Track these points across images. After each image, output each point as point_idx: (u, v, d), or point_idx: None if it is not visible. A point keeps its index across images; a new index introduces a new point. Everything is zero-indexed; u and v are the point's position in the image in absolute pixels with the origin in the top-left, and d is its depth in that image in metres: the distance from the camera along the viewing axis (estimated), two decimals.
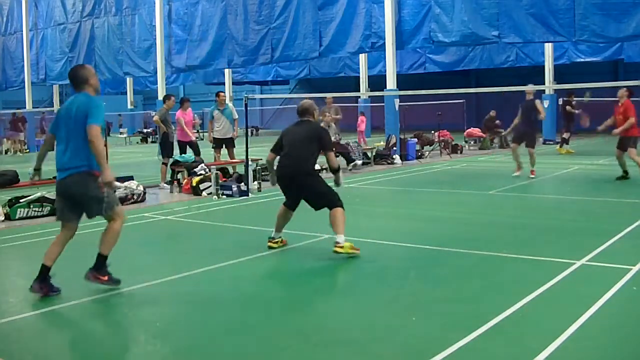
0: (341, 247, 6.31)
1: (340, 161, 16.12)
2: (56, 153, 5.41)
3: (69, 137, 5.28)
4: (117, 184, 5.76)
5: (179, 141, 13.59)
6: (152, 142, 30.36)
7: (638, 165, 11.67)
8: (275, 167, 6.81)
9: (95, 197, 5.26)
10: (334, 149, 6.54)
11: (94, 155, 5.13)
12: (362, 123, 22.62)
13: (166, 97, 13.19)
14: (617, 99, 12.04)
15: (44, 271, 5.25)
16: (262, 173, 12.89)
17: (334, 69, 33.01)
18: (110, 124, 37.81)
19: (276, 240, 6.91)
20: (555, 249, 6.58)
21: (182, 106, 13.68)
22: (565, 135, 19.23)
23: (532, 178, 12.52)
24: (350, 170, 15.00)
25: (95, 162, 5.19)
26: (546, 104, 23.72)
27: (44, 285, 5.23)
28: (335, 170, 6.70)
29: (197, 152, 13.18)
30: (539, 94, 23.87)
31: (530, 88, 12.78)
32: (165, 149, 12.83)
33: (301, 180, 6.60)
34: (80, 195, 5.30)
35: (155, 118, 12.78)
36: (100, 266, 5.42)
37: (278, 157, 6.76)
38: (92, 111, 5.18)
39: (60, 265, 5.43)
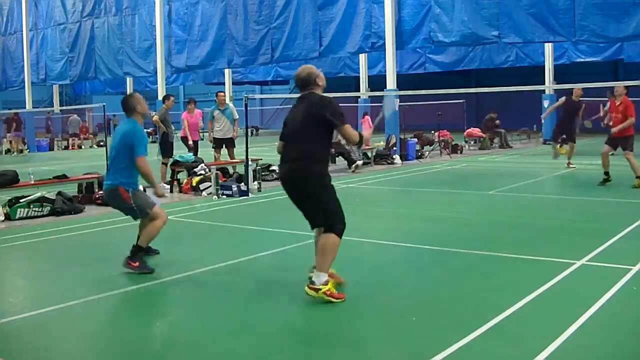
0: (316, 289, 4.87)
1: (340, 161, 16.16)
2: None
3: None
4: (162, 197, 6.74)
5: (182, 138, 13.64)
6: (152, 142, 30.32)
7: (632, 168, 11.08)
8: None
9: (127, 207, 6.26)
10: (346, 122, 5.05)
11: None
12: (366, 123, 22.67)
13: (165, 97, 13.20)
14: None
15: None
16: (262, 173, 12.89)
17: (334, 69, 32.99)
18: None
19: (316, 287, 4.95)
20: (555, 249, 6.58)
21: (187, 107, 13.72)
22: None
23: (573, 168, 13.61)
24: (353, 171, 15.01)
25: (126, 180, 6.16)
26: (546, 104, 23.73)
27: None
28: (357, 143, 5.33)
29: (195, 152, 13.24)
30: (539, 94, 23.97)
31: (579, 91, 13.70)
32: (165, 149, 12.83)
33: (302, 184, 5.05)
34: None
35: (155, 118, 12.79)
36: (133, 254, 6.04)
37: None
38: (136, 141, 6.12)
39: (61, 266, 5.43)
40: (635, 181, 10.93)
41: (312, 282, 4.91)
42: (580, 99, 13.71)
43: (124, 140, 6.12)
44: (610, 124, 11.66)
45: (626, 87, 11.78)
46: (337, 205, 5.06)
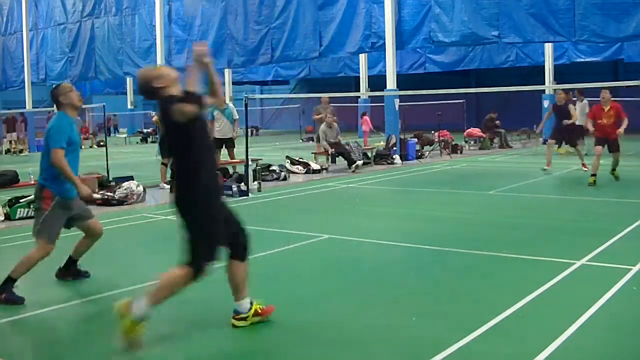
0: (243, 317, 4.43)
1: (340, 161, 16.17)
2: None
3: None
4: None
5: None
6: (152, 142, 30.35)
7: (617, 163, 11.78)
8: None
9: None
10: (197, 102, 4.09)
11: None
12: (365, 124, 22.70)
13: None
14: (617, 99, 11.97)
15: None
16: (262, 173, 12.90)
17: (334, 69, 33.01)
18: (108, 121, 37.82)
19: (243, 315, 4.46)
20: (555, 249, 6.58)
21: None
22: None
23: (585, 170, 13.06)
24: (352, 171, 15.01)
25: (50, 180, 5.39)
26: (546, 104, 23.72)
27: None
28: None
29: None
30: (539, 94, 23.96)
31: (560, 94, 13.86)
32: (164, 149, 12.83)
33: (179, 212, 4.34)
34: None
35: (155, 119, 12.79)
36: (3, 284, 5.23)
37: None
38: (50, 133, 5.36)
39: (51, 268, 5.42)
40: (613, 172, 11.79)
41: (236, 312, 4.45)
42: (576, 99, 13.80)
43: (46, 134, 5.46)
44: (592, 129, 11.63)
45: (609, 88, 11.95)
46: (203, 233, 4.32)
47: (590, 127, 11.69)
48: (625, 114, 11.56)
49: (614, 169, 11.88)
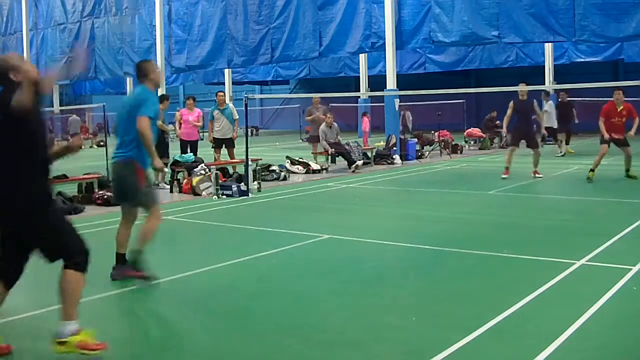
0: (62, 341, 3.86)
1: (340, 161, 16.17)
2: None
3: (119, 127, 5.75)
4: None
5: (181, 140, 13.63)
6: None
7: (629, 160, 11.97)
8: None
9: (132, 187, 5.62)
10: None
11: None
12: (365, 124, 22.71)
13: (165, 98, 13.22)
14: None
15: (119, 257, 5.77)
16: (262, 173, 12.90)
17: (334, 69, 33.02)
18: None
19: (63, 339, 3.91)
20: (555, 249, 6.58)
21: (187, 104, 13.74)
22: (560, 137, 19.26)
23: (539, 177, 12.56)
24: (353, 171, 15.01)
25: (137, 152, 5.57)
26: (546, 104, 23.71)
27: (124, 269, 5.68)
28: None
29: (194, 152, 13.29)
30: (539, 94, 23.97)
31: (524, 88, 12.69)
32: (161, 150, 12.91)
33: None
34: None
35: (160, 123, 12.82)
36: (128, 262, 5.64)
37: None
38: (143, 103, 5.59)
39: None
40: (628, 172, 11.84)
41: (59, 336, 3.86)
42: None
43: (134, 102, 5.63)
44: (605, 133, 11.66)
45: (620, 87, 11.96)
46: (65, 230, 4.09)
47: (605, 133, 11.66)
48: (637, 114, 11.75)
49: (628, 170, 11.93)
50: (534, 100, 13.01)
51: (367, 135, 22.42)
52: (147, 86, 5.75)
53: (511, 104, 12.77)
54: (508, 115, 12.93)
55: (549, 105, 18.29)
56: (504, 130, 13.84)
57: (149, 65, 5.88)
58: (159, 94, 20.60)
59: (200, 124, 13.77)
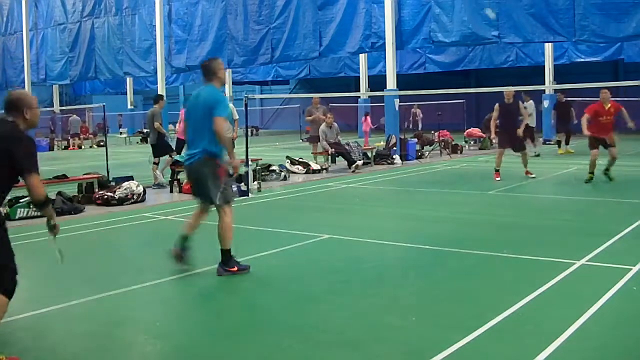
0: None
1: (340, 161, 16.17)
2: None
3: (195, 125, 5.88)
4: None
5: (177, 139, 13.65)
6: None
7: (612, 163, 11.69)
8: None
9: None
10: (37, 172, 4.08)
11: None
12: (365, 123, 22.71)
13: (160, 98, 13.24)
14: (617, 99, 11.98)
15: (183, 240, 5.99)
16: (262, 173, 12.90)
17: (334, 69, 33.03)
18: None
19: None
20: (555, 249, 6.58)
21: (184, 104, 13.77)
22: (559, 137, 19.29)
23: (532, 177, 12.52)
24: (352, 171, 15.01)
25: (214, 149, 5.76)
26: (546, 104, 23.73)
27: (182, 253, 5.97)
28: (41, 204, 4.24)
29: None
30: (539, 94, 23.96)
31: (509, 89, 12.71)
32: (157, 150, 12.94)
33: None
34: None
35: (157, 125, 12.82)
36: (225, 259, 5.87)
37: None
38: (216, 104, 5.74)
39: (61, 265, 5.42)
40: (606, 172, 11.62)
41: None
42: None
43: (205, 104, 5.79)
44: (587, 132, 11.44)
45: (608, 88, 11.79)
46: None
47: (586, 130, 11.43)
48: (621, 105, 11.67)
49: (607, 169, 11.70)
50: (520, 102, 13.00)
51: (368, 136, 22.44)
52: (215, 85, 5.92)
53: (497, 106, 12.76)
54: (494, 118, 12.87)
55: (530, 105, 18.48)
56: (492, 135, 13.29)
57: (216, 63, 6.00)
58: (159, 93, 20.68)
59: None
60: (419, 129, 20.79)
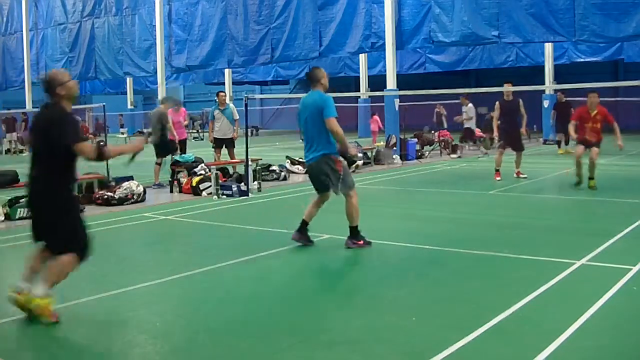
0: (31, 299, 4.46)
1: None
2: None
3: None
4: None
5: (170, 141, 13.70)
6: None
7: (593, 168, 10.80)
8: None
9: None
10: (80, 140, 4.56)
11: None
12: (374, 123, 22.64)
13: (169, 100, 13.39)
14: (617, 99, 11.84)
15: (304, 225, 6.81)
16: (262, 173, 12.89)
17: (334, 69, 33.00)
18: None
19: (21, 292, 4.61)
20: (555, 249, 6.58)
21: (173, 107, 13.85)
22: (558, 137, 19.29)
23: (523, 177, 12.48)
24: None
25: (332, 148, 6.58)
26: (546, 104, 23.74)
27: (303, 235, 6.81)
28: (100, 159, 4.82)
29: (183, 151, 13.36)
30: (539, 94, 23.97)
31: (509, 89, 12.50)
32: (160, 150, 12.93)
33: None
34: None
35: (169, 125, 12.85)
36: (354, 235, 6.71)
37: None
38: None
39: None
40: (590, 181, 10.75)
41: (24, 290, 4.47)
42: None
43: (314, 107, 6.52)
44: (574, 135, 10.97)
45: (597, 91, 10.91)
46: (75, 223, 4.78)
47: (573, 133, 11.04)
48: (613, 119, 10.77)
49: (591, 177, 10.73)
50: (520, 100, 12.73)
51: (376, 135, 22.27)
52: (320, 90, 6.67)
53: (497, 105, 12.64)
54: (496, 116, 12.76)
55: (469, 109, 18.65)
56: (495, 134, 12.95)
57: (320, 72, 6.75)
58: (159, 93, 20.58)
59: (186, 122, 14.27)
60: (445, 127, 20.72)
